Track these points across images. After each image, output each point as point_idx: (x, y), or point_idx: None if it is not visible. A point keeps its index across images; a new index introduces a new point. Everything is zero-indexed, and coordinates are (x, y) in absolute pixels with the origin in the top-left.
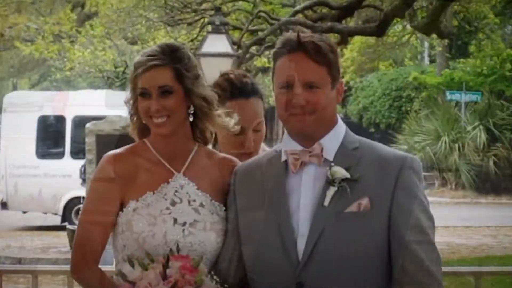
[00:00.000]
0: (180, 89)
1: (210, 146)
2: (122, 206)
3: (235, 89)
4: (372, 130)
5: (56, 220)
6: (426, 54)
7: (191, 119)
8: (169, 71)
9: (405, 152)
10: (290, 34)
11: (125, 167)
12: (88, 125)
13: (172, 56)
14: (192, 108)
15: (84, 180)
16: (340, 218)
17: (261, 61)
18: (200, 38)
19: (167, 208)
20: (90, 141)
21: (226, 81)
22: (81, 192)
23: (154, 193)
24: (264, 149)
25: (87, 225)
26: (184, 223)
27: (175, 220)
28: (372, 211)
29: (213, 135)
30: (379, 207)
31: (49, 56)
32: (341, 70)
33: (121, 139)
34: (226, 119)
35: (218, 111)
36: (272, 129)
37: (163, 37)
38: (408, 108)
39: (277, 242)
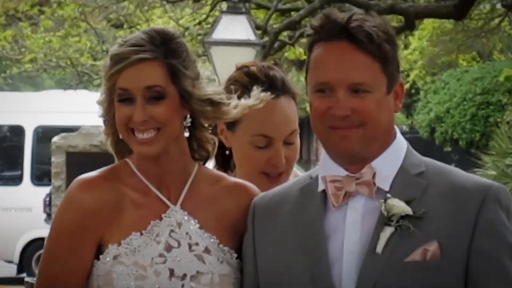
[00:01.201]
0: (175, 92)
1: (211, 165)
2: (98, 252)
3: (258, 85)
4: (448, 149)
5: (11, 270)
6: None
7: (186, 134)
8: (161, 68)
9: (494, 180)
10: (332, 13)
11: (105, 197)
12: (55, 138)
13: (165, 48)
14: (188, 119)
15: (49, 215)
16: (398, 270)
17: (295, 51)
18: (211, 20)
19: (161, 255)
20: (57, 161)
21: (246, 75)
22: (45, 232)
23: (142, 234)
24: (296, 174)
25: (49, 280)
26: (184, 276)
27: (171, 272)
28: (443, 261)
29: (226, 151)
30: (453, 254)
31: (0, 45)
32: (404, 66)
33: (101, 159)
34: (248, 102)
35: (232, 103)
36: (310, 146)
37: (159, 18)
38: (499, 119)
39: None
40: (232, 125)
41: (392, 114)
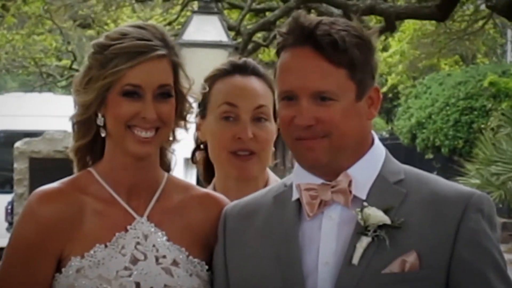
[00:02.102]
0: (174, 92)
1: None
2: (60, 265)
3: (230, 66)
4: (430, 156)
5: None
6: (509, 48)
7: (171, 137)
8: (169, 66)
9: (478, 189)
10: (300, 17)
11: (65, 209)
12: (18, 144)
13: (167, 45)
14: None
15: (11, 224)
16: (376, 282)
17: (270, 53)
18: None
19: (126, 268)
20: (20, 168)
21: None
22: (7, 241)
23: (106, 246)
24: (276, 180)
25: None
26: None
27: (137, 285)
28: (422, 272)
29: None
30: (432, 266)
31: None
32: (384, 69)
33: (66, 165)
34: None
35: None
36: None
37: (129, 18)
38: (483, 125)
39: None
40: (203, 111)
41: (363, 122)
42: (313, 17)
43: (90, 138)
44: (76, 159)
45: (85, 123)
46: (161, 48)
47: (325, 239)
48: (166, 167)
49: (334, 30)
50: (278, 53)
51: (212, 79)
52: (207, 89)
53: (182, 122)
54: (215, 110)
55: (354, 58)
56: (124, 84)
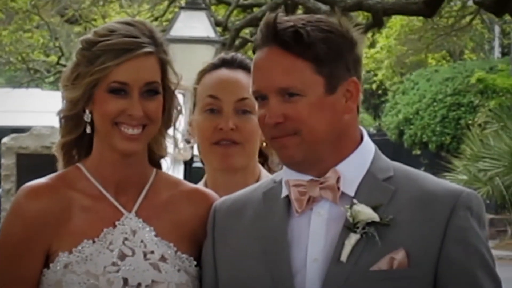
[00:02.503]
0: (162, 89)
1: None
2: (48, 261)
3: (217, 60)
4: (417, 152)
5: None
6: (496, 44)
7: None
8: (157, 63)
9: (465, 185)
10: (269, 18)
11: (53, 205)
12: (5, 139)
13: (154, 41)
14: None
15: None
16: (364, 279)
17: None
18: (169, 16)
19: (114, 264)
20: (7, 163)
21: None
22: None
23: (94, 242)
24: (268, 176)
25: None
26: (139, 285)
27: (125, 281)
28: (411, 269)
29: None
30: (421, 264)
31: None
32: (371, 65)
33: (53, 160)
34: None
35: None
36: None
37: (117, 14)
38: (470, 121)
39: None
40: (193, 107)
41: (339, 116)
42: (286, 17)
43: (78, 134)
44: (61, 154)
45: (72, 118)
46: (149, 45)
47: (314, 236)
48: (156, 163)
49: (299, 25)
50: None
51: (200, 74)
52: (197, 84)
53: (171, 120)
54: (200, 103)
55: (319, 52)
56: (110, 81)
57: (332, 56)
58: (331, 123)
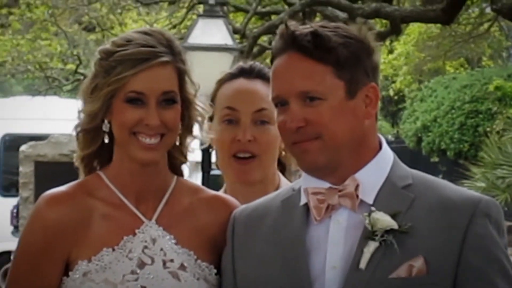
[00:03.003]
0: (179, 99)
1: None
2: (67, 269)
3: (235, 70)
4: (435, 159)
5: None
6: None
7: (178, 142)
8: (174, 73)
9: (483, 192)
10: (286, 26)
11: (73, 213)
12: (23, 147)
13: (172, 51)
14: (179, 127)
15: (16, 228)
16: (383, 286)
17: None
18: (187, 23)
19: (133, 272)
20: (25, 171)
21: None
22: (13, 245)
23: (114, 250)
24: (288, 184)
25: None
26: None
27: None
28: (430, 277)
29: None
30: (440, 271)
31: None
32: (389, 72)
33: (71, 168)
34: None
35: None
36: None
37: (134, 22)
38: (488, 128)
39: None
40: (211, 115)
41: (360, 121)
42: (301, 25)
43: (97, 146)
44: (82, 166)
45: (90, 132)
46: (166, 54)
47: (333, 243)
48: (177, 171)
49: (318, 30)
50: (271, 62)
51: (219, 83)
52: (215, 93)
53: (191, 128)
54: (218, 114)
55: (340, 56)
56: (127, 91)
57: (352, 61)
58: (351, 128)
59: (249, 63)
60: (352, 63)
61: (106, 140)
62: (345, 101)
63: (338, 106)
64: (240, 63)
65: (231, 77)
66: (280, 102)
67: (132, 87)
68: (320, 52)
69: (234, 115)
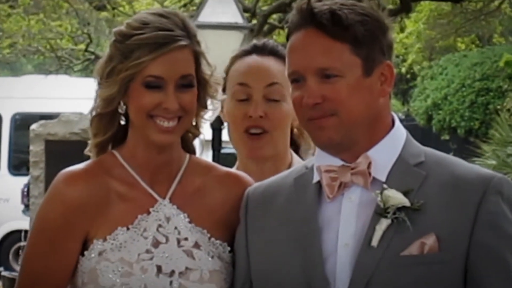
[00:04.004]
0: (195, 82)
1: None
2: (83, 248)
3: (249, 46)
4: (446, 137)
5: None
6: None
7: (194, 123)
8: (191, 56)
9: (493, 170)
10: (303, 2)
11: (92, 191)
12: (33, 126)
13: (188, 33)
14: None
15: (27, 207)
16: (395, 264)
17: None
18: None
19: (148, 251)
20: (36, 150)
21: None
22: (23, 223)
23: (128, 229)
24: (300, 162)
25: (33, 275)
26: (172, 273)
27: (159, 268)
28: (441, 255)
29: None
30: (452, 248)
31: None
32: (400, 50)
33: (82, 147)
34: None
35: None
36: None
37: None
38: (499, 106)
39: None
40: (224, 90)
41: (375, 98)
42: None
43: (113, 132)
44: (95, 152)
45: (106, 116)
46: (183, 38)
47: (345, 221)
48: (189, 146)
49: (336, 8)
50: (287, 39)
51: (232, 60)
52: (228, 70)
53: (205, 106)
54: (230, 90)
55: (357, 33)
56: (146, 75)
57: (369, 39)
58: (368, 105)
59: (263, 40)
60: (369, 41)
61: (123, 122)
62: (362, 79)
63: (355, 84)
64: (254, 41)
65: (244, 53)
66: (297, 78)
67: (150, 72)
68: (338, 29)
69: (246, 91)
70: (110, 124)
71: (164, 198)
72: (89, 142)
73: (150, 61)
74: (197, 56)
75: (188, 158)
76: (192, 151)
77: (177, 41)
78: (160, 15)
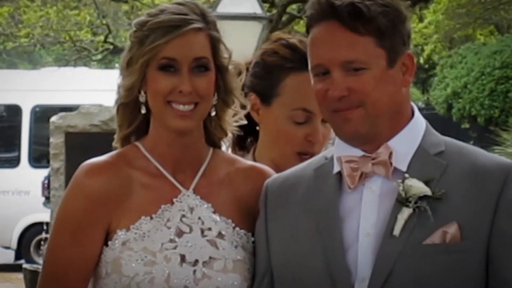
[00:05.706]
0: (213, 67)
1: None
2: (107, 238)
3: (302, 58)
4: (466, 126)
5: (9, 257)
6: None
7: (213, 113)
8: (207, 39)
9: None
10: None
11: (114, 182)
12: (53, 118)
13: (205, 19)
14: (216, 97)
15: (47, 199)
16: (417, 253)
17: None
18: None
19: (171, 241)
20: (56, 142)
21: (286, 47)
22: (44, 215)
23: (152, 219)
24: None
25: (57, 267)
26: (196, 262)
27: (182, 258)
28: (463, 243)
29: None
30: (473, 237)
31: None
32: (419, 40)
33: (102, 139)
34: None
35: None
36: None
37: None
38: None
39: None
40: (267, 99)
41: (398, 89)
42: None
43: (137, 124)
44: (120, 145)
45: (129, 105)
46: (197, 21)
47: (366, 211)
48: (214, 143)
49: (357, 1)
50: (307, 31)
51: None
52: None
53: (230, 98)
54: (287, 109)
55: (380, 25)
56: (160, 58)
57: (391, 30)
58: (391, 96)
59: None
60: (391, 32)
61: (143, 111)
62: (386, 70)
63: (380, 75)
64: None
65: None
66: (321, 71)
67: (164, 54)
68: (361, 22)
69: (306, 117)
70: (133, 115)
71: (187, 188)
72: (115, 135)
73: (164, 44)
74: (214, 41)
75: (212, 151)
76: (217, 146)
77: (190, 24)
78: (178, 3)
